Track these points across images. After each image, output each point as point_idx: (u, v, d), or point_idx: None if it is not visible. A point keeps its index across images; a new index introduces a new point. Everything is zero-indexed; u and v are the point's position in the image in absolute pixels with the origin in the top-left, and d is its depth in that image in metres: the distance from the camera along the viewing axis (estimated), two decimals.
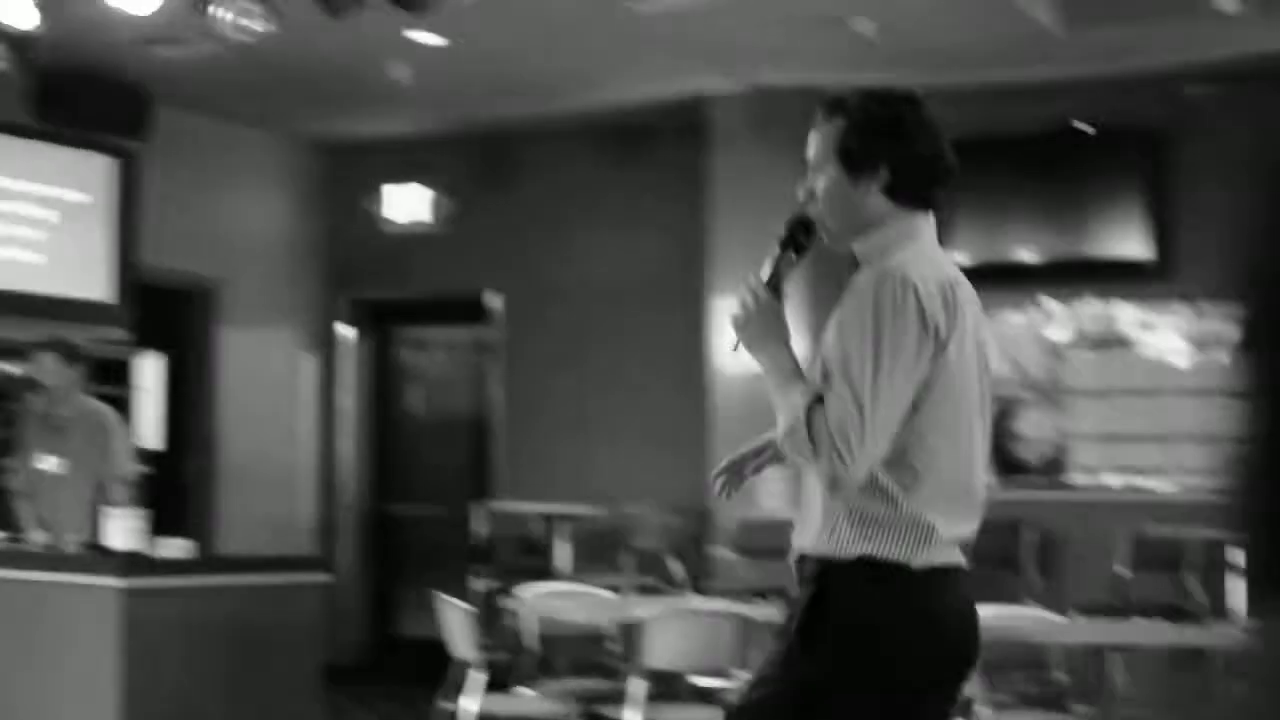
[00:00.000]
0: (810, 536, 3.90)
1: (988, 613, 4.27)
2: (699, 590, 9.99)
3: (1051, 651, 8.32)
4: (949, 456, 3.79)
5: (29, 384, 10.81)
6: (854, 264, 4.00)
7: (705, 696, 7.76)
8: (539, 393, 12.67)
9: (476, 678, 7.61)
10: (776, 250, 4.09)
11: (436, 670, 9.01)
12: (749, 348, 3.99)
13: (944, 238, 4.07)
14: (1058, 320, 11.07)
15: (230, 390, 12.89)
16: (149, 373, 11.64)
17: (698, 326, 11.50)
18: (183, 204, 12.37)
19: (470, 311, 13.20)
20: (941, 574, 3.77)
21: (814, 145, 4.02)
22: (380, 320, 13.83)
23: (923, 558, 3.74)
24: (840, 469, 3.67)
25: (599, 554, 11.42)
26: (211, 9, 8.41)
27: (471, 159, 13.07)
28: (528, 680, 8.24)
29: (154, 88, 11.46)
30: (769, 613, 8.04)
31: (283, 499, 13.24)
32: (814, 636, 3.79)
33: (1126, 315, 10.97)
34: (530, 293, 12.77)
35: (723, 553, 10.99)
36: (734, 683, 7.50)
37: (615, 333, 12.34)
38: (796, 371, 3.86)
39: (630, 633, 7.96)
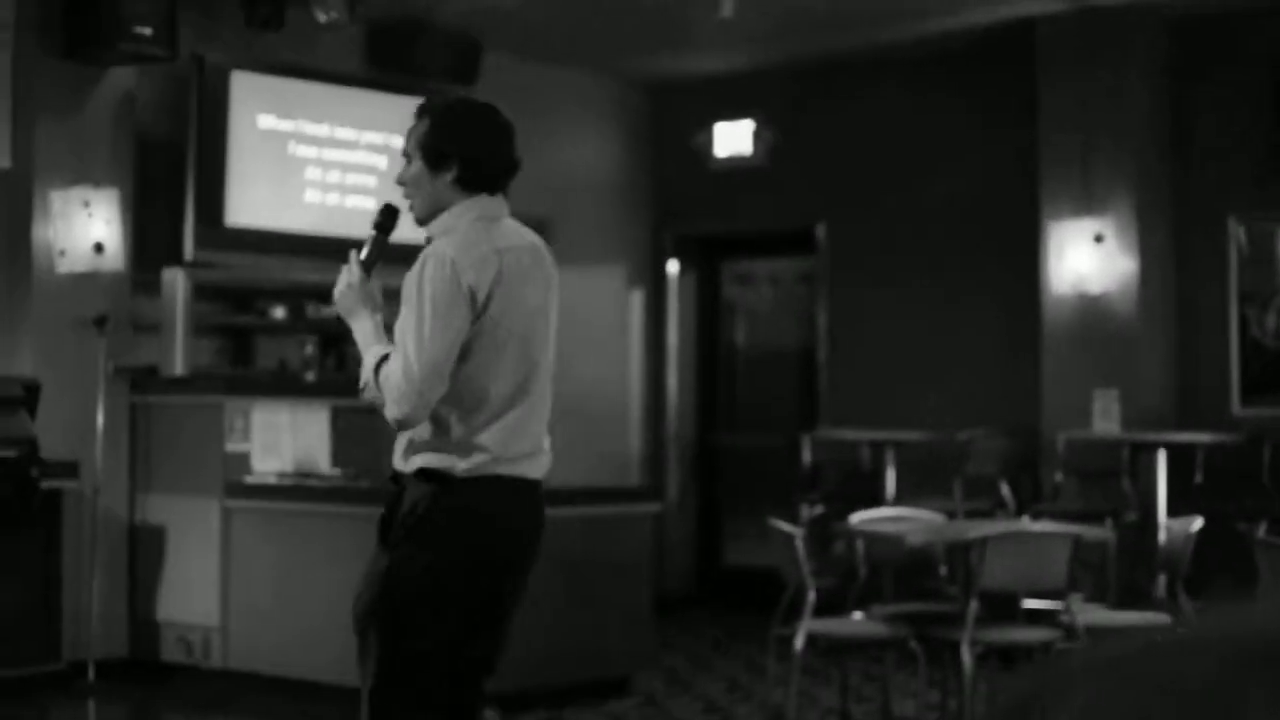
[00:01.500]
0: (396, 458, 4.76)
1: None
2: (1030, 513, 9.93)
3: None
4: (497, 394, 4.68)
5: None
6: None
7: (1037, 618, 7.71)
8: (865, 321, 12.66)
9: (808, 603, 7.67)
10: (372, 233, 4.95)
11: (763, 599, 9.09)
12: (345, 316, 4.92)
13: None
14: None
15: (560, 326, 13.07)
16: None
17: (1030, 249, 11.38)
18: None
19: (796, 244, 13.24)
20: (487, 481, 4.65)
21: (407, 141, 4.89)
22: (706, 255, 13.94)
23: (464, 467, 4.62)
24: (399, 411, 4.57)
25: (928, 480, 11.40)
26: None
27: (797, 92, 13.09)
28: (860, 604, 8.28)
29: (482, 33, 11.69)
30: (1100, 533, 7.96)
31: (612, 432, 13.44)
32: (389, 531, 4.72)
33: None
34: (856, 223, 12.75)
35: (1054, 475, 10.90)
36: (1066, 604, 7.46)
37: (943, 259, 12.27)
38: (378, 336, 4.77)
39: (962, 555, 7.94)
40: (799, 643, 7.63)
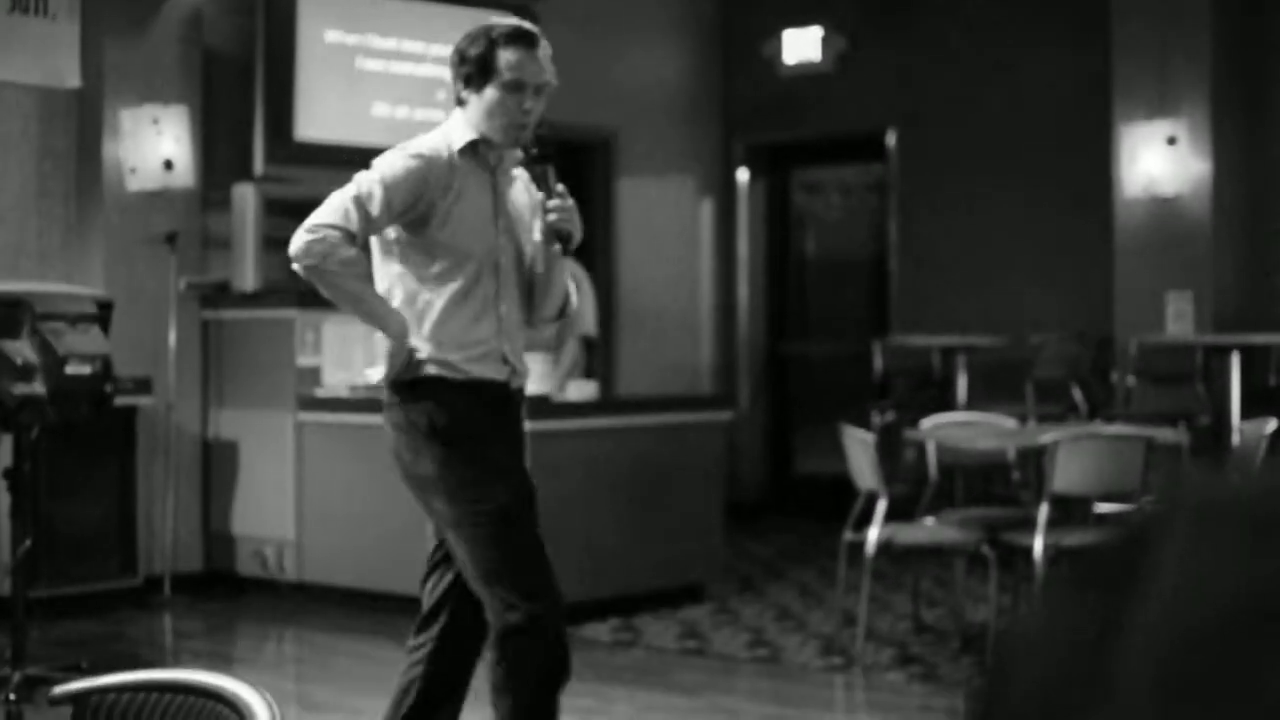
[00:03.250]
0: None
1: None
2: (1102, 417, 9.89)
3: None
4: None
5: None
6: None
7: (1110, 521, 7.70)
8: (935, 229, 12.60)
9: (880, 508, 7.68)
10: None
11: (835, 506, 9.12)
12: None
13: None
14: None
15: (629, 238, 13.12)
16: None
17: (1103, 154, 11.28)
18: (579, 58, 12.54)
19: (866, 150, 13.17)
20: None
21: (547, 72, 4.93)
22: (776, 164, 13.89)
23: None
24: None
25: (1000, 385, 11.37)
26: None
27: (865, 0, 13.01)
28: (931, 510, 8.28)
29: None
30: (1173, 436, 7.93)
31: (683, 342, 13.45)
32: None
33: None
34: (926, 129, 12.67)
35: (1126, 379, 10.85)
36: (1138, 507, 7.44)
37: (1014, 164, 12.19)
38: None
39: (1034, 459, 7.93)
40: (870, 548, 7.64)
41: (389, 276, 4.87)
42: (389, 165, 4.82)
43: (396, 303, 4.84)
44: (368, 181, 4.78)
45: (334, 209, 4.75)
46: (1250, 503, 0.67)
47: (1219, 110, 10.85)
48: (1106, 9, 11.30)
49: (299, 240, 4.75)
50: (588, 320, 9.49)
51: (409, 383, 4.88)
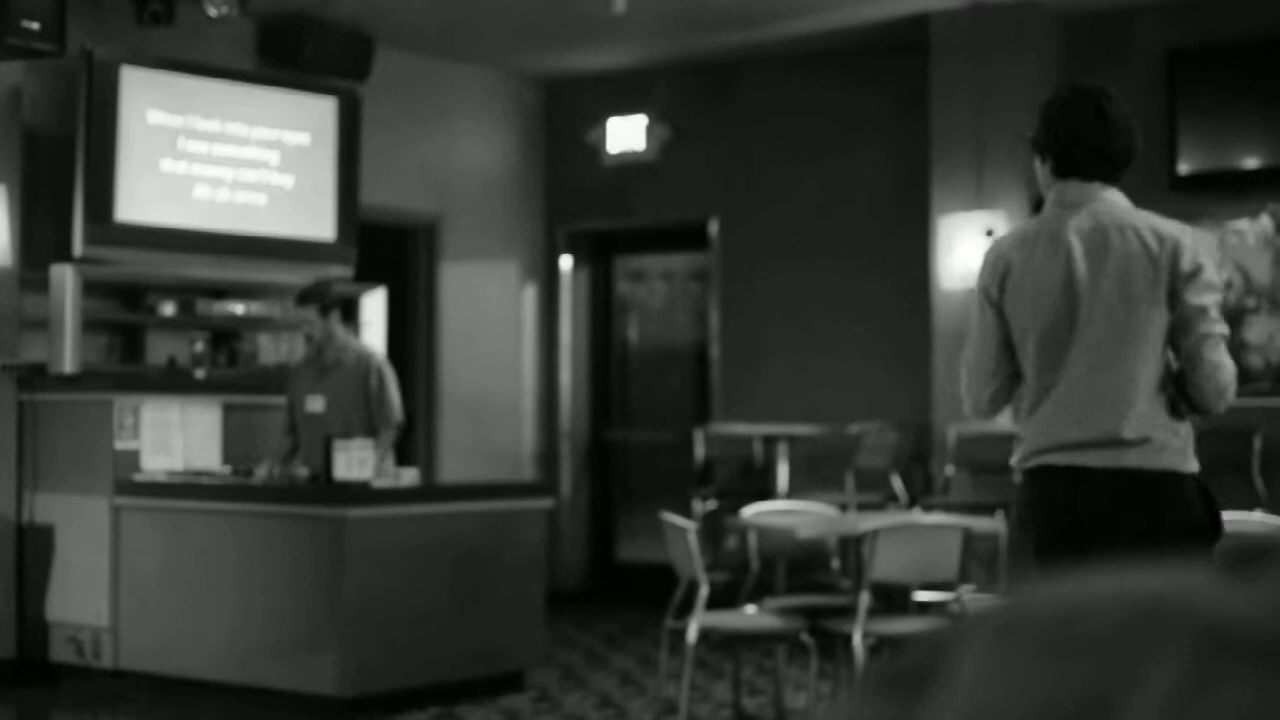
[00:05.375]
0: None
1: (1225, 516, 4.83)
2: (921, 506, 10.00)
3: None
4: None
5: (255, 324, 11.11)
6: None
7: (929, 610, 7.77)
8: (758, 317, 12.70)
9: (701, 596, 7.70)
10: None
11: (658, 594, 9.11)
12: None
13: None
14: None
15: (452, 323, 13.10)
16: (374, 308, 11.87)
17: (921, 245, 11.45)
18: (403, 142, 12.57)
19: (689, 239, 13.27)
20: (1040, 470, 4.88)
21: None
22: (599, 251, 13.95)
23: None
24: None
25: (820, 473, 11.47)
26: None
27: (689, 88, 13.12)
28: (752, 598, 8.32)
29: (373, 29, 11.66)
30: (990, 525, 8.04)
31: (505, 428, 13.44)
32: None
33: None
34: (750, 218, 12.79)
35: (945, 468, 10.98)
36: (956, 596, 7.52)
37: (835, 254, 12.33)
38: None
39: (854, 548, 8.00)
40: (692, 636, 7.65)
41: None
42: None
43: None
44: None
45: None
46: (1052, 622, 0.69)
47: (1036, 201, 11.05)
48: (925, 101, 11.49)
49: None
50: (395, 408, 9.47)
51: None
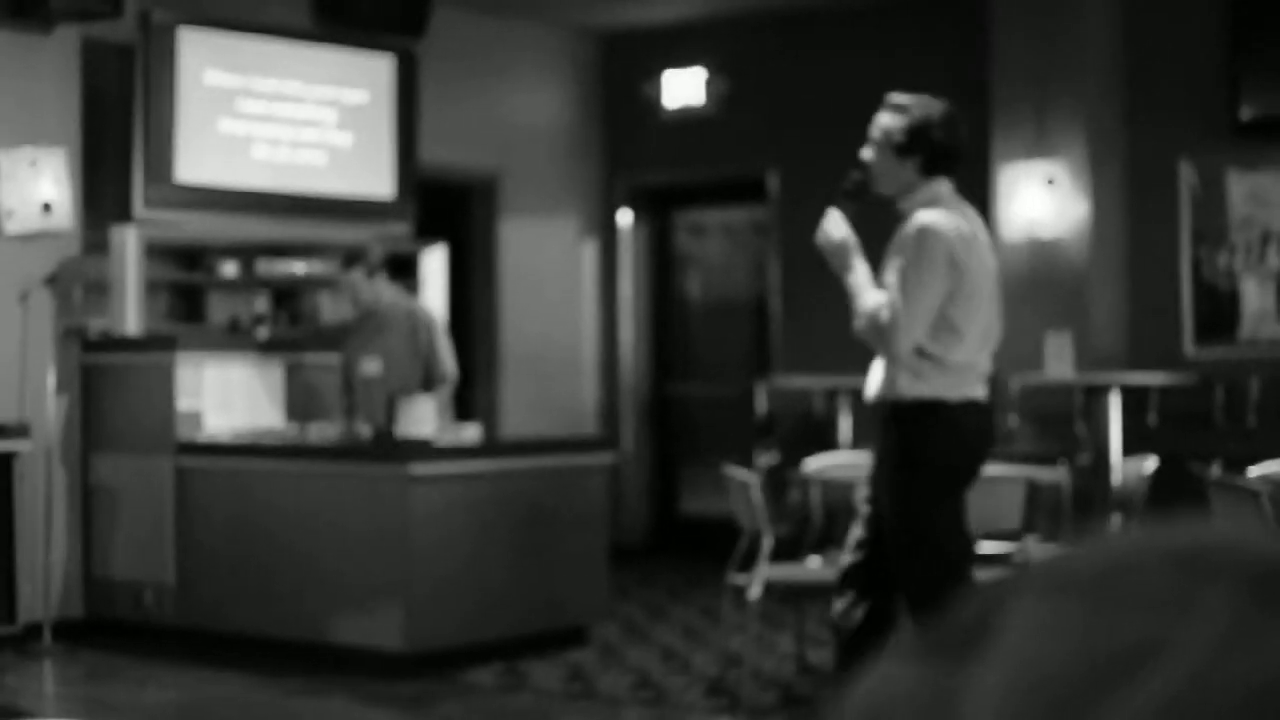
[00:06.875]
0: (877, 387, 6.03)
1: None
2: None
3: None
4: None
5: (315, 283, 11.14)
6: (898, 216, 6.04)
7: (992, 561, 7.75)
8: (818, 269, 12.58)
9: (764, 549, 7.69)
10: (846, 203, 6.27)
11: (720, 547, 9.11)
12: (838, 270, 6.25)
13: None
14: None
15: (512, 279, 13.11)
16: (433, 266, 11.88)
17: (983, 194, 11.37)
18: (460, 99, 12.57)
19: (748, 192, 13.23)
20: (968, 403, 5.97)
21: (875, 128, 6.22)
22: (658, 205, 13.93)
23: (957, 394, 5.91)
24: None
25: None
26: None
27: (747, 39, 13.06)
28: (815, 550, 8.31)
29: None
30: (1054, 475, 8.00)
31: (566, 384, 13.45)
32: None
33: None
34: (807, 171, 12.73)
35: (1008, 418, 10.93)
36: (1020, 546, 7.49)
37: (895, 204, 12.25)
38: (870, 282, 6.03)
39: None
40: (755, 590, 7.65)
41: None
42: None
43: None
44: None
45: None
46: (1097, 575, 0.68)
47: (1097, 151, 10.98)
48: (986, 49, 11.41)
49: None
50: (448, 362, 9.49)
51: None
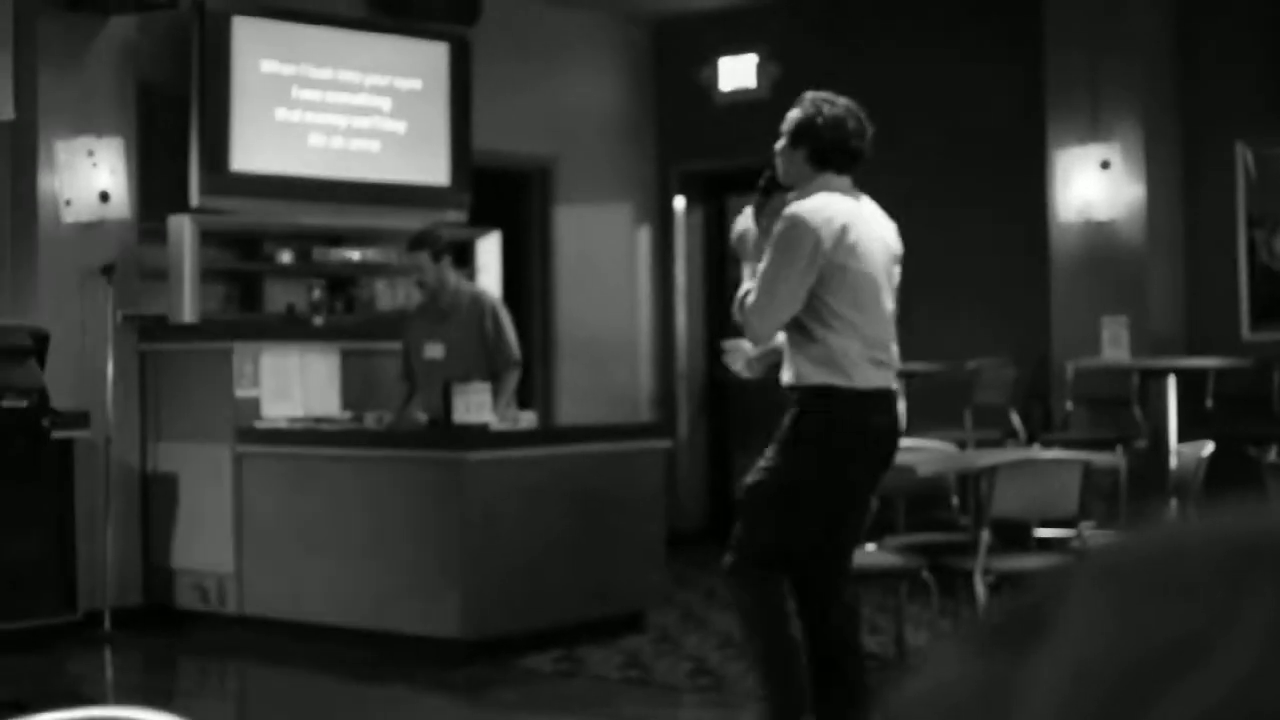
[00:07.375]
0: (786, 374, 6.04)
1: None
2: (1040, 442, 9.93)
3: None
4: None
5: (372, 270, 11.17)
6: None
7: (1049, 546, 7.73)
8: None
9: None
10: (759, 196, 6.28)
11: None
12: (741, 258, 6.20)
13: None
14: None
15: (567, 266, 13.13)
16: (488, 253, 11.90)
17: (1037, 177, 11.34)
18: (514, 86, 12.59)
19: None
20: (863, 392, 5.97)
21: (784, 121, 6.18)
22: (712, 191, 13.92)
23: (848, 382, 5.94)
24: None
25: (939, 411, 11.40)
26: None
27: (800, 24, 13.04)
28: (872, 536, 8.29)
29: None
30: (1111, 460, 7.97)
31: (621, 370, 13.46)
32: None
33: None
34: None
35: (1064, 403, 10.89)
36: (1077, 531, 7.47)
37: (949, 188, 12.23)
38: (751, 275, 6.02)
39: (973, 485, 7.95)
40: None
41: None
42: None
43: None
44: None
45: None
46: (1150, 565, 0.68)
47: (1152, 133, 10.93)
48: (1040, 33, 11.36)
49: None
50: (513, 348, 9.50)
51: None
